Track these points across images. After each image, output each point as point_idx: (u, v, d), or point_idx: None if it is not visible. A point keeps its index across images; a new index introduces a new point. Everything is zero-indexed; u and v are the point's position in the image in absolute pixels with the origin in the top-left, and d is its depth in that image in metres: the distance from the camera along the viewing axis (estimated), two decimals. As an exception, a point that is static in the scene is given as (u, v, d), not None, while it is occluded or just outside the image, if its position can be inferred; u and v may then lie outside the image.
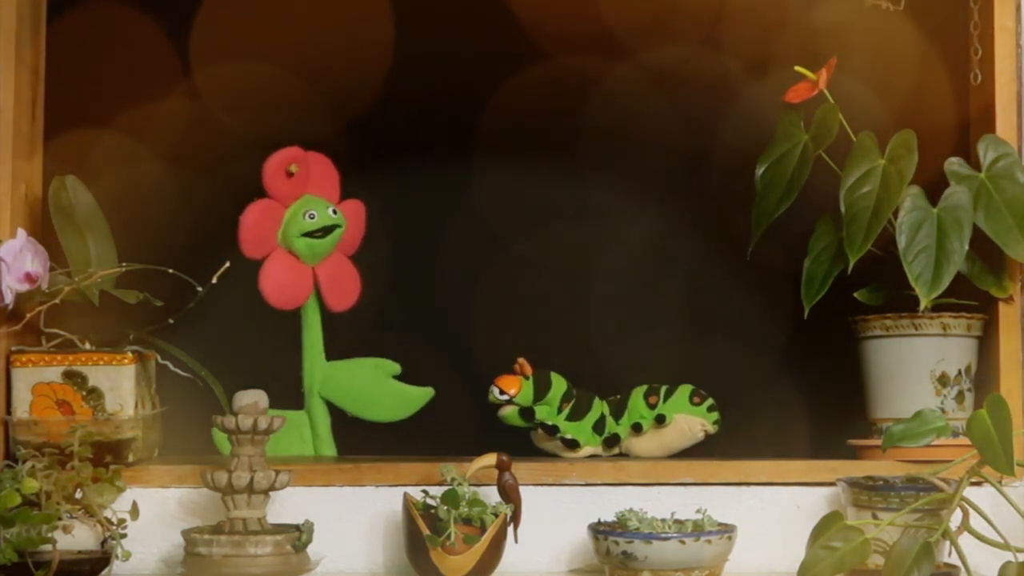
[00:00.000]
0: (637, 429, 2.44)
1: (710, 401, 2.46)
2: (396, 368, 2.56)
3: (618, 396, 2.47)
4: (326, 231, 2.48)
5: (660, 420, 2.44)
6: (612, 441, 2.45)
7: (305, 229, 2.47)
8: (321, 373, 2.54)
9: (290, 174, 2.46)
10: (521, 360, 2.44)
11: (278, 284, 2.48)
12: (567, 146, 2.88)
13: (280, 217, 2.48)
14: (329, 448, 2.54)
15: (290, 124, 2.70)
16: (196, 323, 2.36)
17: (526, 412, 2.44)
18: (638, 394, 2.47)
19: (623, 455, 2.46)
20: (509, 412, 2.45)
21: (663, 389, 2.46)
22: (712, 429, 2.47)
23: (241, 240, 2.44)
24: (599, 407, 2.46)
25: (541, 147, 2.84)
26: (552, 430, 2.43)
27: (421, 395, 2.55)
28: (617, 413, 2.46)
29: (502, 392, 2.44)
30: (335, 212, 2.50)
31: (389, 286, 2.77)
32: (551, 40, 2.80)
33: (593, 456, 2.45)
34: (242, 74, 2.76)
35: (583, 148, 2.89)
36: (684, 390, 2.46)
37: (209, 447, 2.47)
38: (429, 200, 2.87)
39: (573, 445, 2.43)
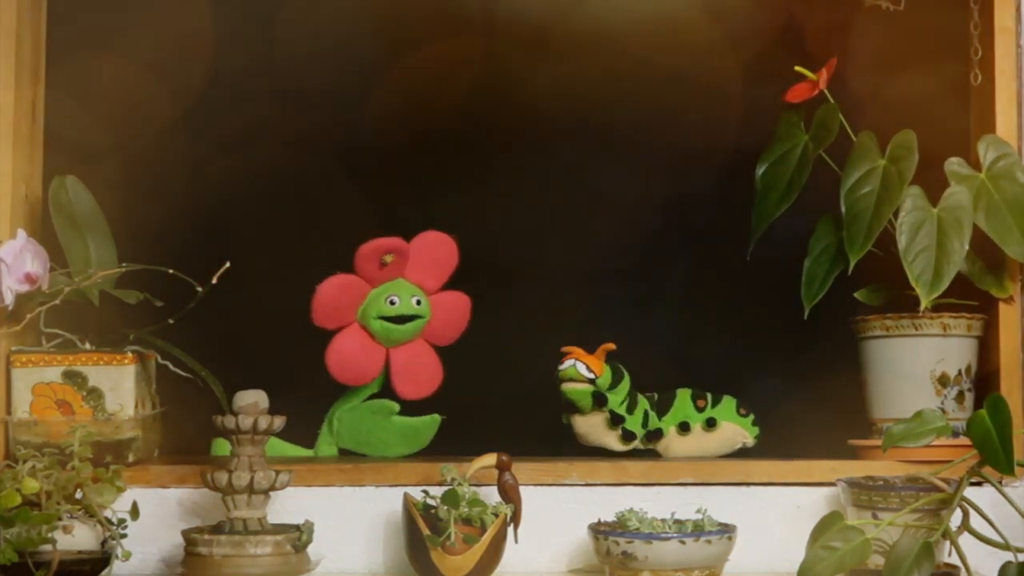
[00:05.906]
0: (685, 428, 2.43)
1: (753, 416, 2.47)
2: (395, 407, 2.49)
3: (654, 394, 2.46)
4: (404, 319, 2.44)
5: (711, 424, 2.43)
6: (654, 436, 2.42)
7: (384, 313, 2.43)
8: (338, 420, 2.51)
9: (383, 264, 2.42)
10: (611, 345, 2.39)
11: (343, 359, 2.43)
12: (570, 137, 2.90)
13: (363, 294, 2.43)
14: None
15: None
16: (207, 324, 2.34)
17: (599, 397, 2.39)
18: (684, 395, 2.45)
19: (654, 452, 2.44)
20: (581, 390, 2.38)
21: (709, 395, 2.46)
22: (751, 443, 2.47)
23: (313, 310, 2.40)
24: (643, 403, 2.43)
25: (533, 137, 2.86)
26: (619, 419, 2.40)
27: (427, 424, 2.49)
28: (660, 410, 2.44)
29: (589, 370, 2.37)
30: (419, 303, 2.45)
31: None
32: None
33: (632, 451, 2.42)
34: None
35: (578, 142, 2.90)
36: (730, 400, 2.47)
37: (209, 447, 2.48)
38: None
39: (631, 438, 2.41)
